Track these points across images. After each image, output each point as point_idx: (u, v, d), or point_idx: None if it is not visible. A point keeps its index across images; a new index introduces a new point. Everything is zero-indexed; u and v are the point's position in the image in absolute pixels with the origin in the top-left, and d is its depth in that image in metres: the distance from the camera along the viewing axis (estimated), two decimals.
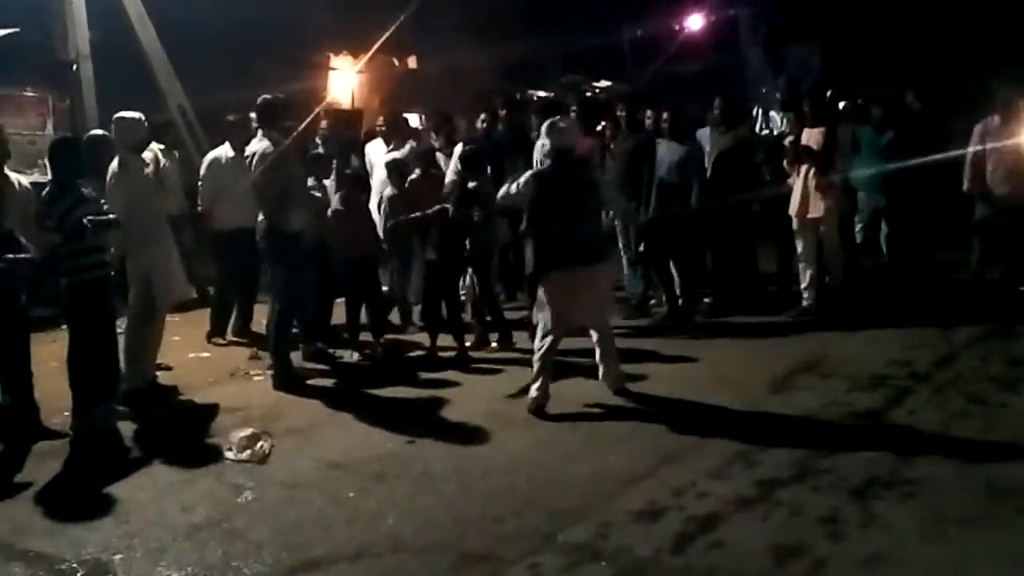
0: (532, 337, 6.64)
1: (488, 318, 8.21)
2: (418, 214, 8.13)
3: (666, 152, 8.66)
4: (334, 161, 8.80)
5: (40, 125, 10.85)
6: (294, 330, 7.68)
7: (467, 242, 7.91)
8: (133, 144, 6.93)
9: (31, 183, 7.07)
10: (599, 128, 9.53)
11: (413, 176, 8.54)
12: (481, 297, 8.14)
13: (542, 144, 7.43)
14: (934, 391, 6.28)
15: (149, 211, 6.82)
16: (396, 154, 9.12)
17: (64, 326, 6.46)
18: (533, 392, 6.23)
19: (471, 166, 7.99)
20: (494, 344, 8.10)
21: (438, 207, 7.96)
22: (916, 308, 8.48)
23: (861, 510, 4.43)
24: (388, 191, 8.63)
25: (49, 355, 6.82)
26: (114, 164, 6.86)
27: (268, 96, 7.28)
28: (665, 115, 8.84)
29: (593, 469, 5.17)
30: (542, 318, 6.29)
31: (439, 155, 9.06)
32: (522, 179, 6.36)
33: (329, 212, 8.08)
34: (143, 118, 7.11)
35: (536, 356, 6.26)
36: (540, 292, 6.34)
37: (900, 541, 4.11)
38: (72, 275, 6.09)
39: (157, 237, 6.84)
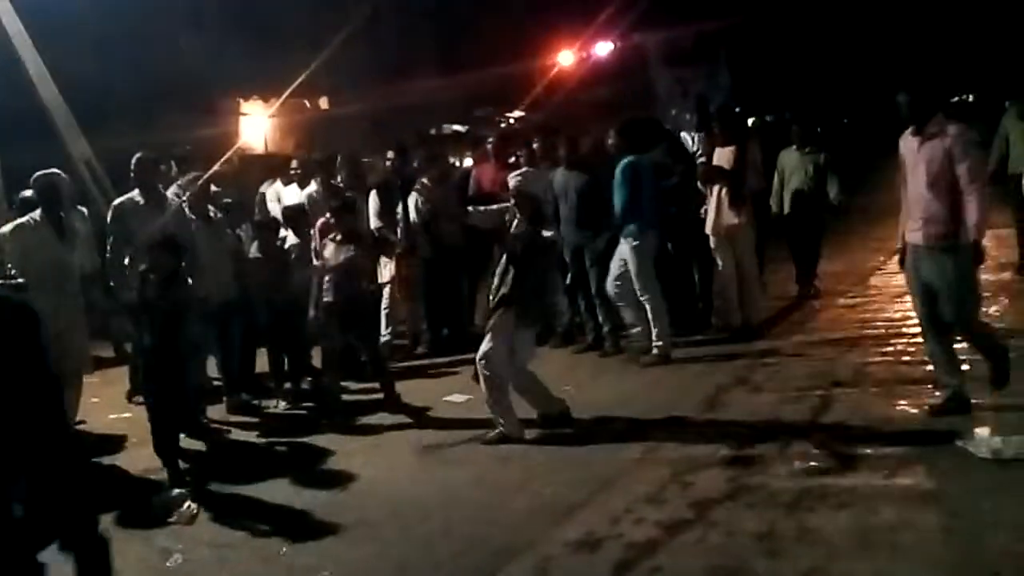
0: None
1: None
2: None
3: (563, 181, 8.58)
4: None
5: None
6: (217, 383, 7.46)
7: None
8: (55, 200, 6.80)
9: None
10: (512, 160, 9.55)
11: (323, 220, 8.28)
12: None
13: None
14: (857, 398, 6.40)
15: (42, 269, 6.57)
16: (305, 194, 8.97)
17: None
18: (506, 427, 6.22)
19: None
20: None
21: None
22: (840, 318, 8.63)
23: (796, 524, 4.48)
24: (291, 240, 8.30)
25: None
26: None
27: (140, 155, 7.19)
28: (560, 146, 8.76)
29: (530, 502, 5.14)
30: (496, 357, 6.18)
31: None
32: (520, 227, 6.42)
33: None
34: (63, 175, 7.03)
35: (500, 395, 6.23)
36: (509, 336, 6.22)
37: (836, 552, 4.16)
38: None
39: (51, 298, 6.39)
